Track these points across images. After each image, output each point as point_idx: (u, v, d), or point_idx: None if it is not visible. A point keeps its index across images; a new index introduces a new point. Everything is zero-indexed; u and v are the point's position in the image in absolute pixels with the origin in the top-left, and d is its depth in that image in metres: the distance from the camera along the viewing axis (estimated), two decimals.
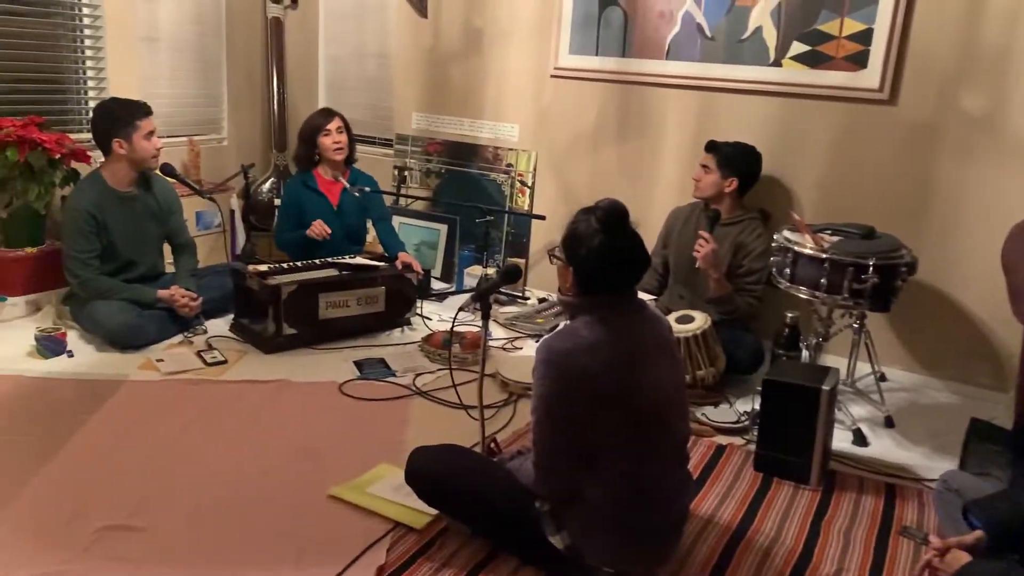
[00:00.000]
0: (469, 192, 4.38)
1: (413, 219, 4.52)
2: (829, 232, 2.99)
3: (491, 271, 4.06)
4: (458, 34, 4.29)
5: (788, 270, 2.90)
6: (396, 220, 4.21)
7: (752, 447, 2.67)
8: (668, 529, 1.97)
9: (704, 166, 3.32)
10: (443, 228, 4.44)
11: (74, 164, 3.59)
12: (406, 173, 4.60)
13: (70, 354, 3.13)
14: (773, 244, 3.01)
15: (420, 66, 4.43)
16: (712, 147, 3.32)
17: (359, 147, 4.01)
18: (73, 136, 3.69)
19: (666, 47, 3.71)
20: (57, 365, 3.05)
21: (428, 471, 2.06)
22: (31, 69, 3.81)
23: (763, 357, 3.21)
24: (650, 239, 3.33)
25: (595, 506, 1.83)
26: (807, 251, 2.83)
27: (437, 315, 3.84)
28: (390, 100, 4.66)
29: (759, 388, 2.61)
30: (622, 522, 1.84)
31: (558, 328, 1.89)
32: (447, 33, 4.32)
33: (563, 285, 1.89)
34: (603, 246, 1.78)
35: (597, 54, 3.89)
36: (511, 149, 4.28)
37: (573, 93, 4.00)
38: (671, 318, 3.02)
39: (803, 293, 2.86)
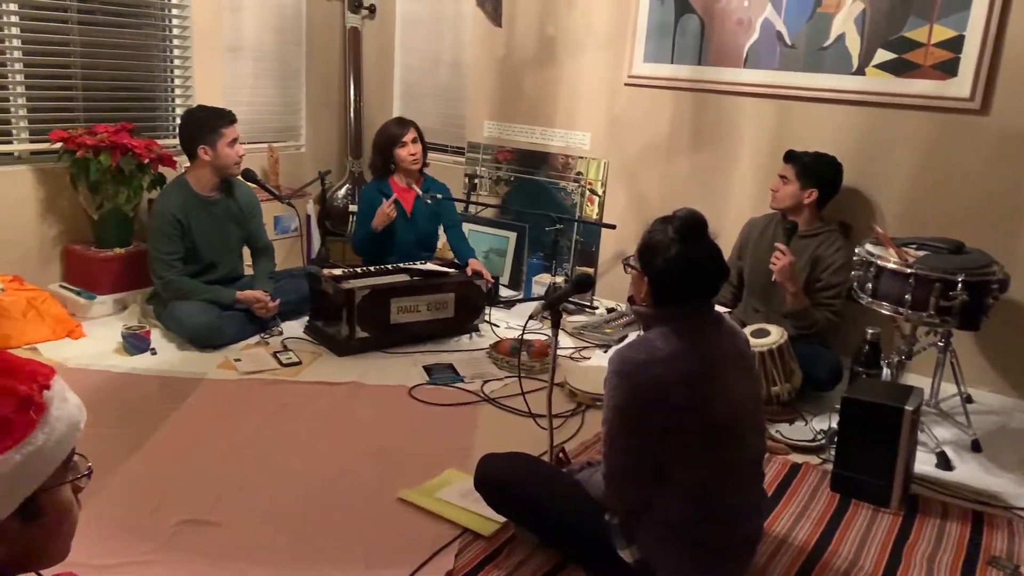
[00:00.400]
0: (538, 200, 4.38)
1: (483, 226, 4.55)
2: (915, 247, 2.88)
3: (560, 280, 4.05)
4: (532, 43, 4.30)
5: (870, 285, 2.80)
6: (466, 227, 4.24)
7: (829, 467, 2.59)
8: (741, 547, 1.92)
9: (782, 176, 3.24)
10: (512, 236, 4.45)
11: (160, 169, 3.74)
12: (476, 181, 4.63)
13: (153, 352, 3.24)
14: (854, 258, 2.92)
15: (493, 74, 4.46)
16: (791, 157, 3.24)
17: (430, 155, 4.06)
18: (160, 142, 3.84)
19: (744, 55, 3.64)
20: (141, 362, 3.17)
21: (497, 478, 2.06)
22: (123, 77, 3.98)
23: (841, 374, 3.11)
24: (724, 250, 3.25)
25: (666, 521, 1.80)
26: (891, 265, 2.73)
27: (505, 322, 3.85)
28: (463, 108, 4.71)
29: (837, 406, 2.53)
30: (694, 538, 1.80)
31: (631, 338, 1.87)
32: (521, 42, 4.34)
33: (637, 295, 1.87)
34: (680, 256, 1.75)
35: (672, 62, 3.84)
36: (581, 157, 4.26)
37: (647, 101, 3.97)
38: (746, 331, 2.95)
39: (886, 309, 2.76)
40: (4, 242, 3.49)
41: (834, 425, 2.77)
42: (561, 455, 2.20)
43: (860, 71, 3.35)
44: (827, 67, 3.43)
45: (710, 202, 3.72)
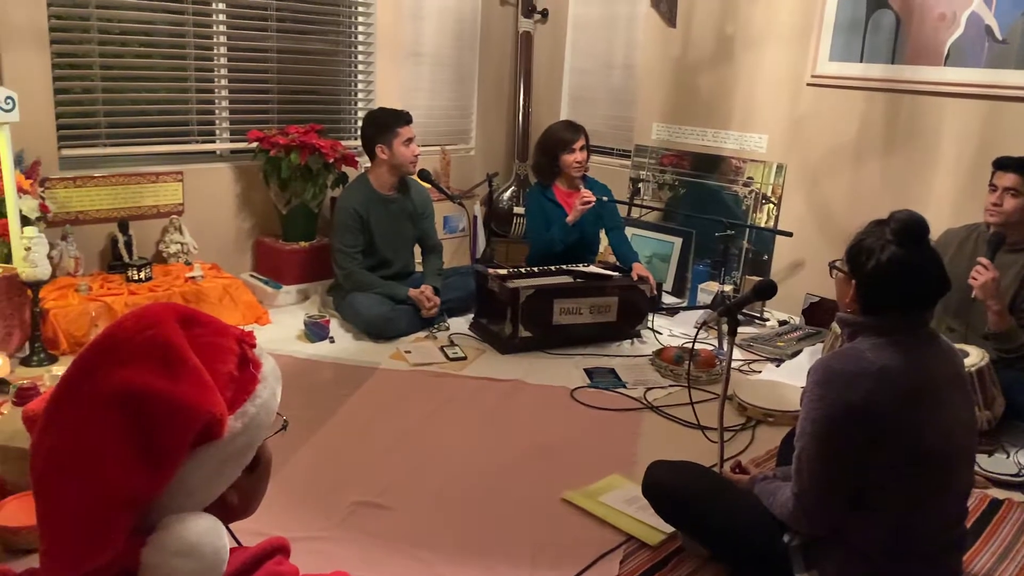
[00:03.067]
0: (706, 205, 4.24)
1: (647, 231, 4.46)
2: None
3: (728, 288, 3.90)
4: (708, 42, 4.18)
5: None
6: (629, 231, 4.16)
7: None
8: None
9: (1011, 189, 2.89)
10: (677, 241, 4.34)
11: (343, 168, 3.94)
12: (640, 185, 4.55)
13: (332, 340, 3.42)
14: None
15: (666, 76, 4.38)
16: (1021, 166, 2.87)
17: (595, 157, 4.02)
18: (343, 143, 4.05)
19: (945, 52, 3.35)
20: (320, 349, 3.35)
21: (668, 486, 1.99)
22: (312, 82, 4.24)
23: None
24: None
25: (859, 551, 1.66)
26: None
27: (668, 330, 3.76)
28: (632, 111, 4.65)
29: None
30: (887, 572, 1.66)
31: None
32: (696, 41, 4.22)
33: (841, 300, 1.74)
34: (894, 260, 1.61)
35: (862, 60, 3.60)
36: (755, 161, 4.09)
37: (832, 102, 3.74)
38: None
39: None
40: (206, 233, 3.80)
41: None
42: (737, 468, 2.09)
43: None
44: None
45: None
